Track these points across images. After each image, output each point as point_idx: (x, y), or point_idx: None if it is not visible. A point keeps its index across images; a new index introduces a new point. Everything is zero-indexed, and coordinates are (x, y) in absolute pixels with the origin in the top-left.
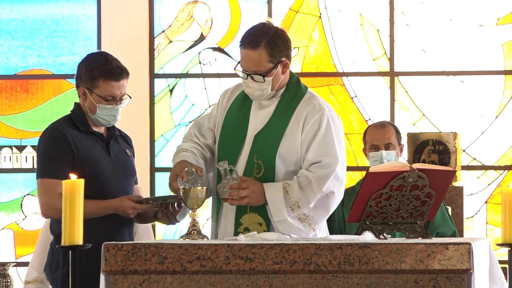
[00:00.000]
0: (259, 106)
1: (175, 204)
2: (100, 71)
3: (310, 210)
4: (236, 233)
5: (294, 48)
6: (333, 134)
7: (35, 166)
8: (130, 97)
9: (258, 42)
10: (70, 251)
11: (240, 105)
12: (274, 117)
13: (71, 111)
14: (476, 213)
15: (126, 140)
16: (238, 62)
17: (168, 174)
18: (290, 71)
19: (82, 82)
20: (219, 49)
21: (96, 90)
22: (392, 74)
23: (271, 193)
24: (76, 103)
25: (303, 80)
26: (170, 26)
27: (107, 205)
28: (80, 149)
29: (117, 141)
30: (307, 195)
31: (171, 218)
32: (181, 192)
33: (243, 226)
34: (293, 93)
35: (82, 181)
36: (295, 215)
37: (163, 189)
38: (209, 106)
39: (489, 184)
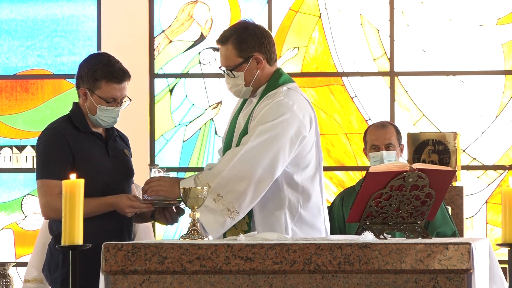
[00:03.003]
0: (245, 106)
1: (173, 206)
2: (102, 72)
3: (224, 189)
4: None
5: (294, 48)
6: (266, 116)
7: (35, 167)
8: (130, 100)
9: (226, 37)
10: (70, 251)
11: (239, 106)
12: (251, 114)
13: (70, 111)
14: (476, 213)
15: (124, 140)
16: None
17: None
18: (279, 68)
19: (83, 82)
20: (219, 49)
21: (97, 91)
22: (392, 74)
23: (185, 181)
24: (75, 103)
25: (303, 80)
26: (170, 26)
27: (106, 201)
28: (80, 149)
29: (115, 141)
30: (213, 171)
31: (168, 219)
32: (181, 192)
33: None
34: (270, 89)
35: (82, 181)
36: (210, 197)
37: None
38: (209, 106)
39: (489, 184)
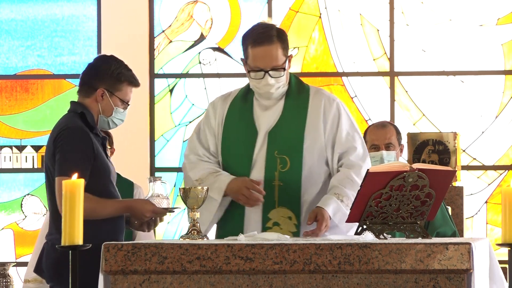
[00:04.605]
0: (262, 106)
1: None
2: (126, 75)
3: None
4: (264, 229)
5: (294, 48)
6: (352, 122)
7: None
8: (129, 104)
9: (272, 36)
10: (70, 251)
11: (240, 110)
12: (287, 113)
13: (78, 110)
14: (476, 213)
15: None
16: (245, 64)
17: (168, 174)
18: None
19: (103, 83)
20: (219, 49)
21: (118, 93)
22: (392, 74)
23: (333, 209)
24: (77, 103)
25: (303, 80)
26: (170, 26)
27: (126, 205)
28: (96, 150)
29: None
30: (354, 191)
31: (150, 227)
32: (180, 192)
33: (272, 221)
34: (296, 88)
35: (82, 181)
36: (348, 205)
37: None
38: None
39: (489, 184)
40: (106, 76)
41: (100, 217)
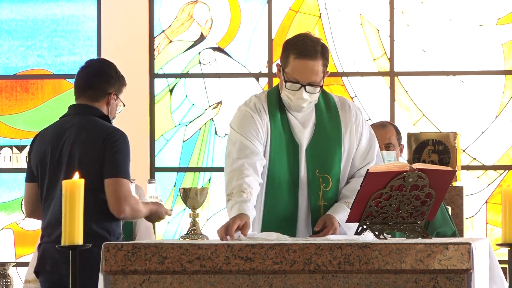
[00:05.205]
0: (298, 120)
1: None
2: (123, 78)
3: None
4: None
5: None
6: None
7: (112, 163)
8: (124, 105)
9: (317, 52)
10: (70, 251)
11: (280, 120)
12: (320, 129)
13: (98, 114)
14: (476, 213)
15: None
16: (280, 71)
17: (168, 173)
18: None
19: (113, 87)
20: (219, 49)
21: (120, 95)
22: (392, 74)
23: (343, 218)
24: (93, 107)
25: None
26: (170, 26)
27: (152, 207)
28: None
29: None
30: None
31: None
32: (180, 192)
33: None
34: (323, 100)
35: (82, 181)
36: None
37: (163, 189)
38: (209, 106)
39: (489, 184)
40: (116, 80)
41: (138, 218)
